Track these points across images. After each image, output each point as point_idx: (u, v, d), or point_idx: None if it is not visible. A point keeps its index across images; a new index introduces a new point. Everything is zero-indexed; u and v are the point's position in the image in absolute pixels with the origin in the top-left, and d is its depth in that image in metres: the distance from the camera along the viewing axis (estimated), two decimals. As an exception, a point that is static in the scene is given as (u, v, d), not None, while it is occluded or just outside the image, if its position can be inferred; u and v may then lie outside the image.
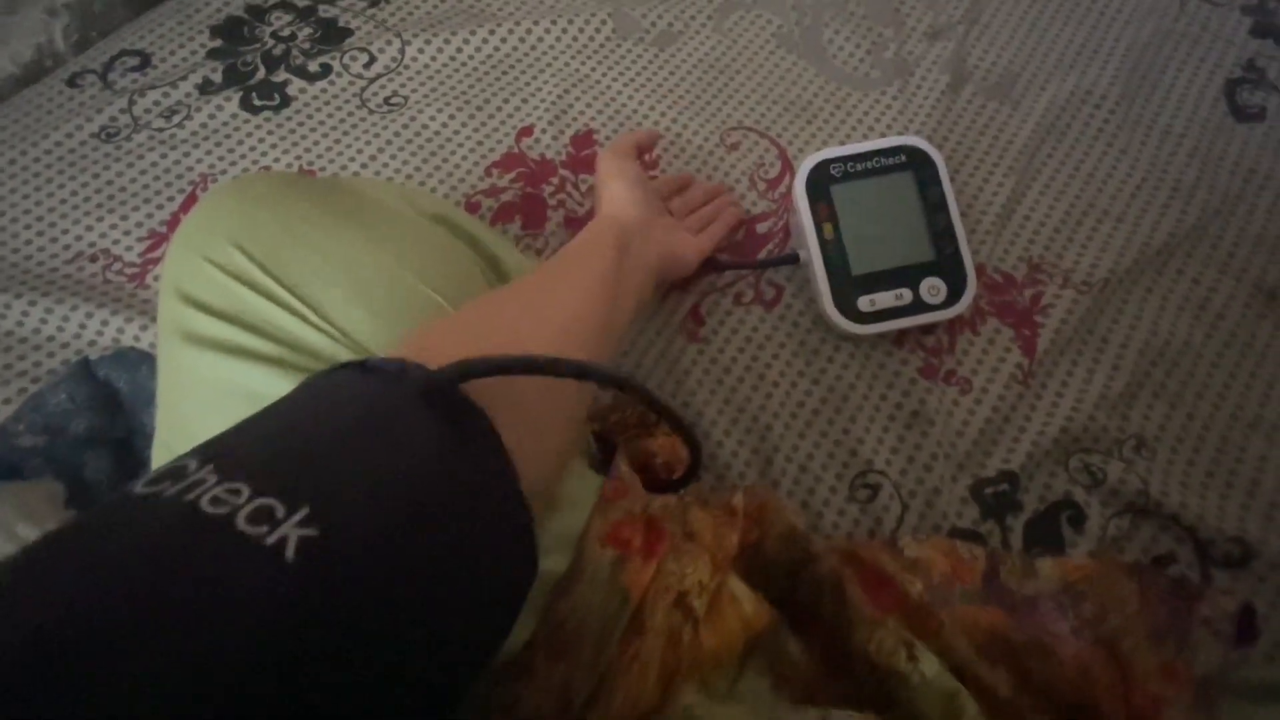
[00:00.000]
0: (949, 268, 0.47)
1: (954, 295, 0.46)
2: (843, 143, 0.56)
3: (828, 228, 0.47)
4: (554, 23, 0.59)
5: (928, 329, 0.48)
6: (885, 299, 0.46)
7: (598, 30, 0.60)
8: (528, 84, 0.58)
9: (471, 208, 0.53)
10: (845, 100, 0.58)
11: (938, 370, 0.47)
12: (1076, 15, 0.61)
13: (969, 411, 0.46)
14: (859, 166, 0.48)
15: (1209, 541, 0.41)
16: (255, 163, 0.53)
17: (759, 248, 0.52)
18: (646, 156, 0.53)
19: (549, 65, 0.59)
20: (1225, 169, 0.54)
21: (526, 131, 0.56)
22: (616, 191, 0.43)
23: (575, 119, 0.56)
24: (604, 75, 0.58)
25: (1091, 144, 0.55)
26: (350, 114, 0.55)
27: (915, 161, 0.48)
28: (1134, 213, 0.52)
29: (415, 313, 0.32)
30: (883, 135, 0.56)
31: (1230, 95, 0.56)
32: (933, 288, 0.46)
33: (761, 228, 0.53)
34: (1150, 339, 0.48)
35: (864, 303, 0.46)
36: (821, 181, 0.48)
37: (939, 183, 0.48)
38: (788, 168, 0.55)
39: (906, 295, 0.46)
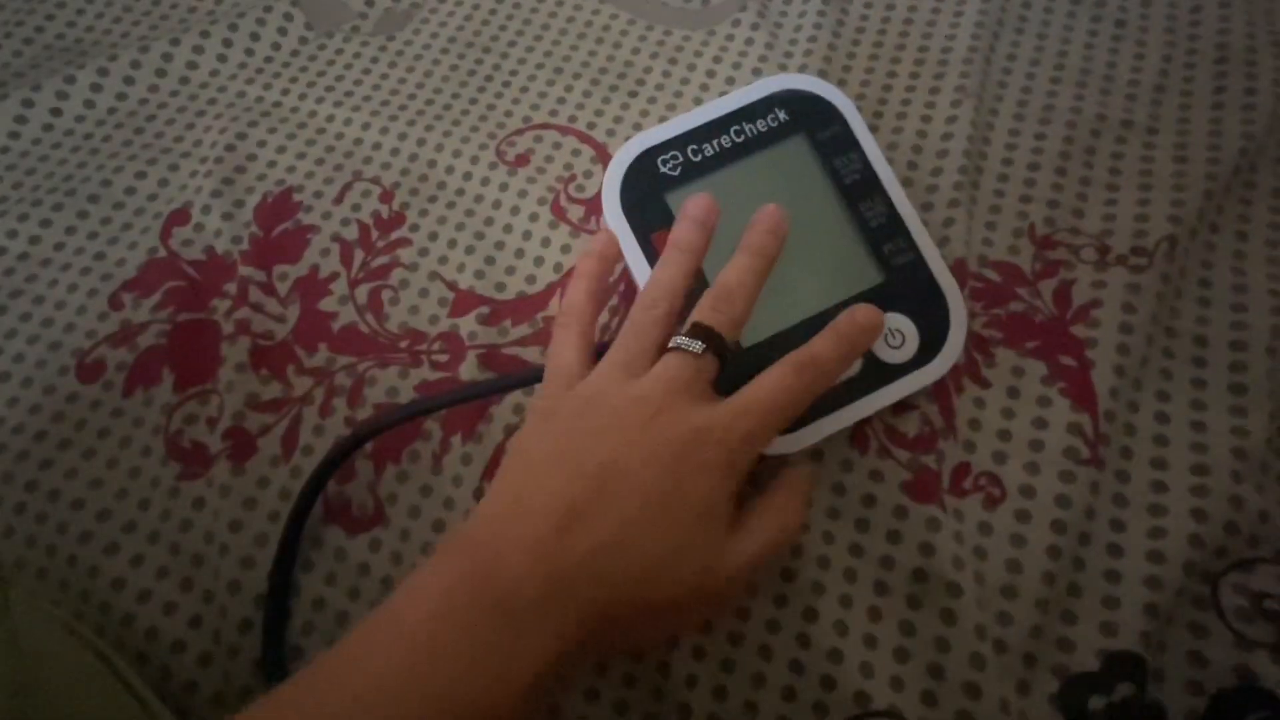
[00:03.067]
0: (911, 290, 0.26)
1: (933, 335, 0.26)
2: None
3: (678, 273, 0.26)
4: (206, 38, 0.38)
5: (902, 406, 0.27)
6: (813, 376, 0.25)
7: (282, 32, 0.38)
8: (177, 140, 0.36)
9: (89, 372, 0.31)
10: (682, 49, 0.37)
11: (939, 478, 0.26)
12: None
13: (1014, 540, 0.25)
14: (711, 148, 0.27)
15: None
16: None
17: (586, 323, 0.31)
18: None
19: (210, 104, 0.37)
20: (1280, 15, 0.35)
21: (179, 217, 0.34)
22: (513, 474, 0.22)
23: (261, 176, 0.34)
24: (302, 97, 0.37)
25: (1069, 24, 0.36)
26: None
27: (806, 117, 0.27)
28: (1171, 114, 0.33)
29: None
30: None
31: (1247, -94, 0.37)
32: (892, 332, 0.25)
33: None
34: (1277, 324, 0.28)
35: (777, 393, 0.25)
36: (650, 190, 0.26)
37: (855, 143, 0.27)
38: (614, 174, 0.34)
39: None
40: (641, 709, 0.24)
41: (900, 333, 0.25)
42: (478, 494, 0.27)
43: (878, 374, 0.25)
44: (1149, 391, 0.27)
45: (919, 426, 0.26)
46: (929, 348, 0.25)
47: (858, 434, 0.27)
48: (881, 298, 0.25)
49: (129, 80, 0.37)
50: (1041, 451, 0.26)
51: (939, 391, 0.27)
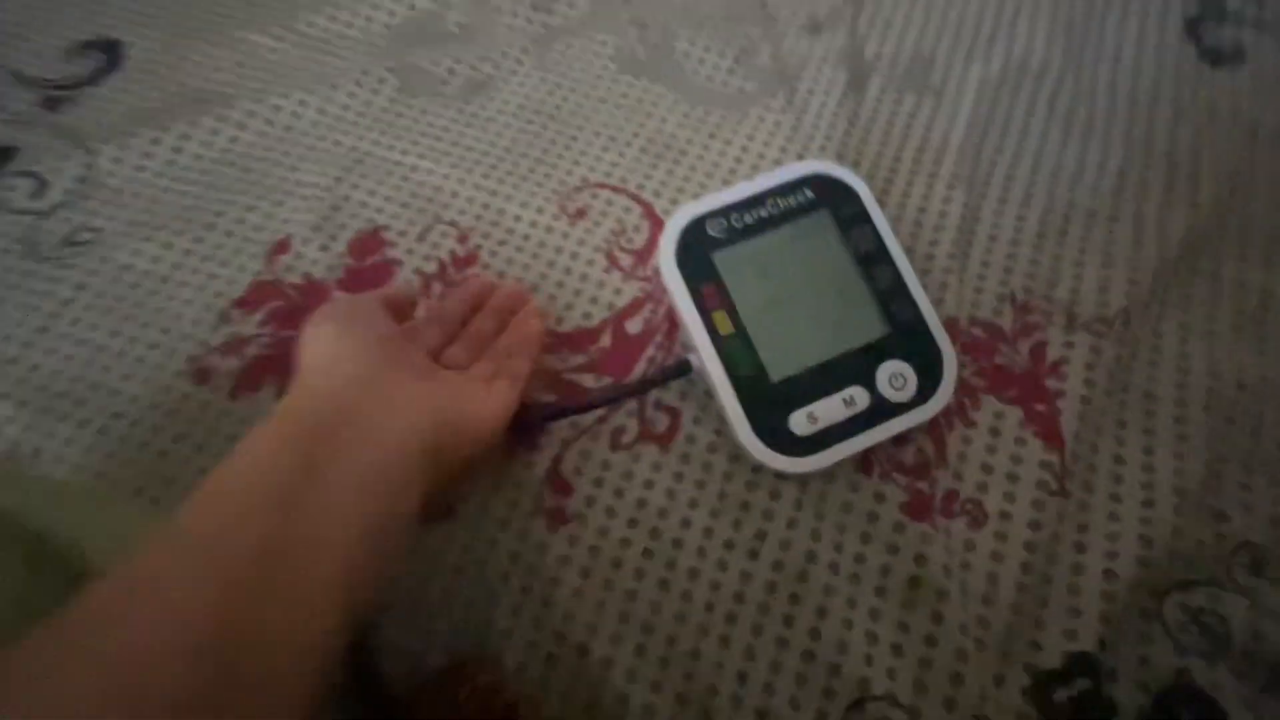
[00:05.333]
0: (911, 341, 0.31)
1: (928, 380, 0.31)
2: (726, 182, 0.41)
3: (721, 318, 0.31)
4: (310, 93, 0.44)
5: (901, 439, 0.32)
6: (829, 409, 0.30)
7: (375, 92, 0.45)
8: (281, 180, 0.41)
9: (200, 376, 0.35)
10: (720, 127, 0.43)
11: (931, 501, 0.31)
12: (980, -22, 0.49)
13: (993, 556, 0.30)
14: (751, 217, 0.32)
15: None
16: None
17: (634, 356, 0.36)
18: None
19: (311, 150, 0.42)
20: (1222, 129, 0.41)
21: (282, 246, 0.39)
22: (314, 352, 0.26)
23: (354, 214, 0.40)
24: (391, 148, 0.43)
25: (1046, 128, 0.42)
26: (9, 269, 0.38)
27: (829, 196, 0.33)
28: (1129, 206, 0.39)
29: None
30: (776, 164, 0.42)
31: (1195, 37, 0.45)
32: (895, 376, 0.31)
33: (633, 324, 0.36)
34: (1213, 385, 0.33)
35: (799, 421, 0.30)
36: (700, 249, 0.32)
37: (868, 219, 0.33)
38: (659, 229, 0.39)
39: (860, 397, 0.30)
40: (673, 689, 0.28)
41: (902, 376, 0.30)
42: (537, 498, 0.32)
43: (882, 410, 0.30)
44: (1108, 436, 0.32)
45: (915, 457, 0.31)
46: (925, 390, 0.30)
47: (864, 460, 0.32)
48: (887, 346, 0.31)
49: (241, 126, 0.42)
50: (1017, 483, 0.31)
51: (933, 428, 0.32)
